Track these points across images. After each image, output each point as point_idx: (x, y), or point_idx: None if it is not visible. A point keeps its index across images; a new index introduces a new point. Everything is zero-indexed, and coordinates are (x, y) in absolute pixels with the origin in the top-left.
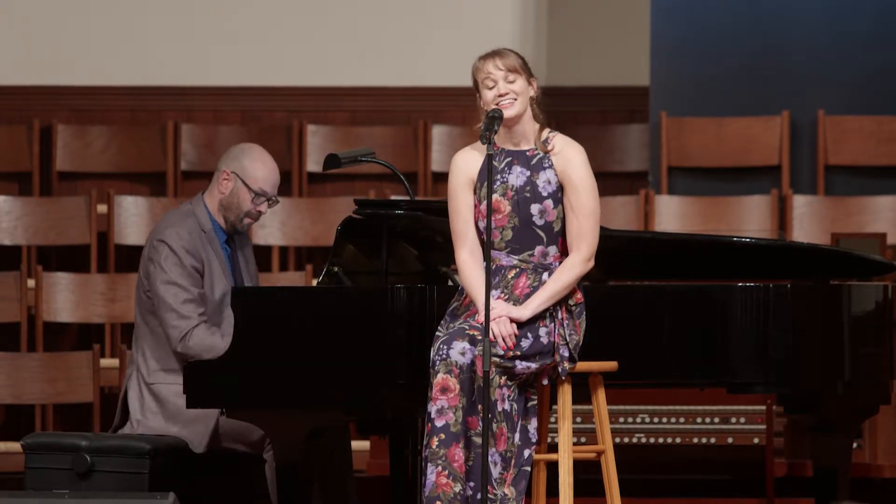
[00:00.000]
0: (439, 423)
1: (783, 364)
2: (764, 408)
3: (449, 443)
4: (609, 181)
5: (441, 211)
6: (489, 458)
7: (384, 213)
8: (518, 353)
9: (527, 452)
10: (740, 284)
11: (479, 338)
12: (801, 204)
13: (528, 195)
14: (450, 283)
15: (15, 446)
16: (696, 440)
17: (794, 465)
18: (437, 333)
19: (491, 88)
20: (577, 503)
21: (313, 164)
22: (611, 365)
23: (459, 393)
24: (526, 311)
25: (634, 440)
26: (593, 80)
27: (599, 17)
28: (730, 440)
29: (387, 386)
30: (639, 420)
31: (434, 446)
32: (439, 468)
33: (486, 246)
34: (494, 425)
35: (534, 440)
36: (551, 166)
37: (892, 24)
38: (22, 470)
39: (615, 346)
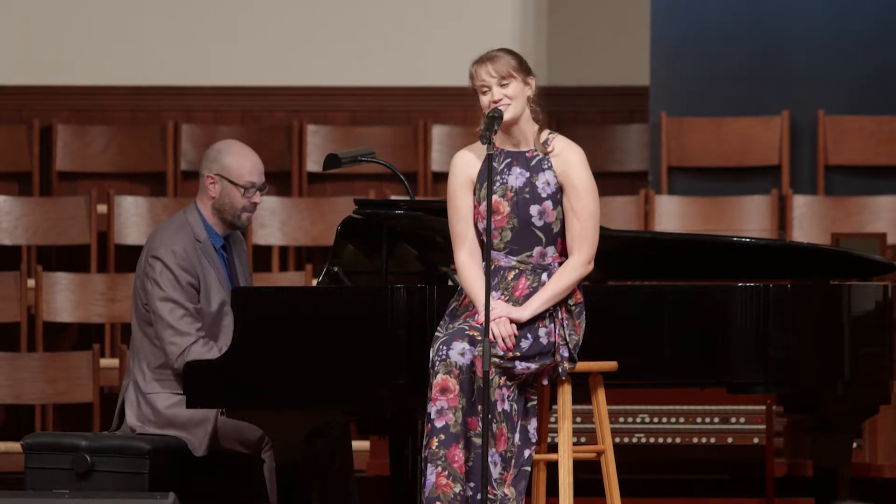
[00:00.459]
0: (439, 424)
1: (783, 364)
2: (764, 408)
3: (449, 443)
4: (609, 181)
5: (441, 211)
6: (489, 459)
7: (384, 213)
8: (517, 353)
9: (527, 452)
10: (740, 284)
11: (479, 338)
12: (801, 204)
13: (528, 196)
14: (450, 283)
15: (15, 446)
16: (696, 440)
17: (794, 465)
18: (437, 334)
19: (485, 95)
20: (577, 503)
21: (313, 164)
22: (611, 365)
23: (459, 393)
24: (526, 311)
25: (634, 440)
26: (593, 80)
27: (599, 17)
28: (730, 440)
29: (387, 386)
30: (639, 420)
31: (434, 447)
32: (439, 468)
33: (486, 247)
34: (494, 426)
35: (534, 440)
36: (551, 168)
37: (892, 24)
38: (22, 470)
39: (615, 346)
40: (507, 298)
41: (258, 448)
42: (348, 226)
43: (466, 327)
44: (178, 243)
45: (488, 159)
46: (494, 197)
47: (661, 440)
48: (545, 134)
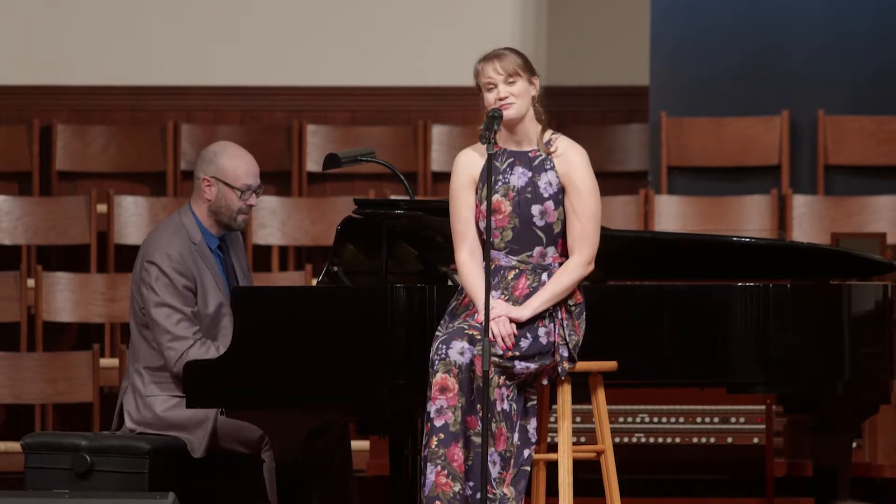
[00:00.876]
0: (438, 423)
1: (783, 364)
2: (764, 408)
3: (448, 442)
4: (609, 181)
5: (441, 211)
6: (488, 458)
7: (384, 213)
8: (517, 353)
9: (526, 452)
10: (740, 284)
11: (479, 337)
12: (801, 204)
13: (529, 196)
14: (450, 283)
15: (15, 446)
16: (696, 440)
17: (794, 465)
18: (437, 333)
19: (491, 92)
20: (576, 503)
21: (313, 163)
22: (611, 365)
23: (458, 392)
24: (525, 311)
25: (634, 440)
26: (593, 80)
27: (599, 17)
28: (730, 440)
29: (387, 386)
30: (639, 420)
31: (433, 446)
32: (438, 468)
33: (486, 246)
34: (493, 425)
35: (533, 440)
36: (553, 168)
37: (892, 24)
38: (22, 470)
39: (615, 346)
40: (506, 298)
41: (258, 448)
42: (348, 226)
43: (466, 326)
44: (174, 247)
45: (489, 159)
46: (496, 196)
47: (661, 440)
48: (548, 134)
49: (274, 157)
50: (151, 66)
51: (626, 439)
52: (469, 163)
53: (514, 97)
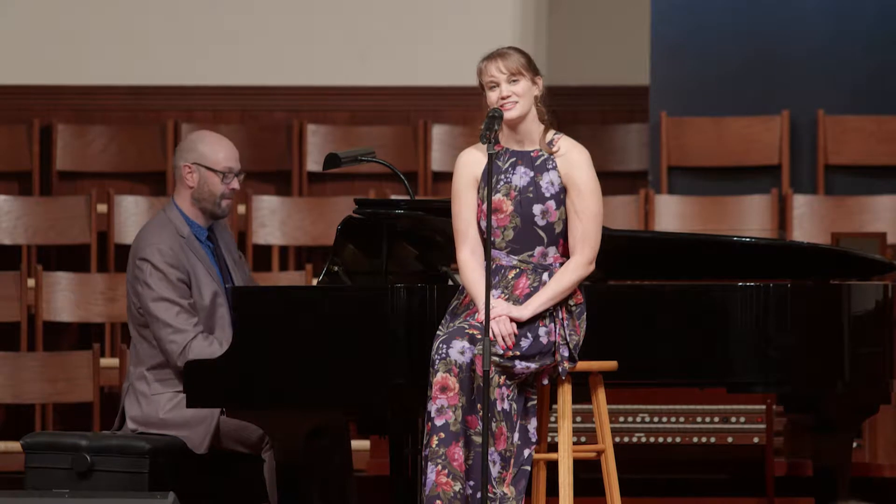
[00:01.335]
0: (439, 422)
1: (783, 364)
2: (764, 407)
3: (448, 442)
4: (609, 181)
5: (441, 210)
6: (488, 458)
7: (384, 213)
8: (517, 352)
9: (526, 452)
10: (740, 284)
11: (479, 337)
12: (801, 204)
13: (531, 195)
14: (450, 282)
15: (15, 446)
16: (696, 440)
17: (794, 464)
18: (438, 332)
19: (493, 91)
20: (577, 503)
21: (313, 163)
22: (611, 365)
23: (459, 392)
24: (526, 311)
25: (634, 440)
26: (593, 80)
27: (599, 17)
28: (730, 440)
29: (387, 386)
30: (639, 420)
31: (434, 445)
32: (439, 467)
33: (487, 245)
34: (493, 424)
35: (533, 440)
36: (555, 168)
37: (892, 24)
38: (22, 470)
39: (615, 345)
40: (507, 297)
41: (259, 448)
42: (348, 225)
43: (466, 326)
44: (164, 241)
45: (490, 159)
46: (498, 196)
47: (661, 440)
48: (550, 134)
49: (274, 157)
50: (151, 66)
51: (626, 439)
52: (471, 162)
53: (517, 96)
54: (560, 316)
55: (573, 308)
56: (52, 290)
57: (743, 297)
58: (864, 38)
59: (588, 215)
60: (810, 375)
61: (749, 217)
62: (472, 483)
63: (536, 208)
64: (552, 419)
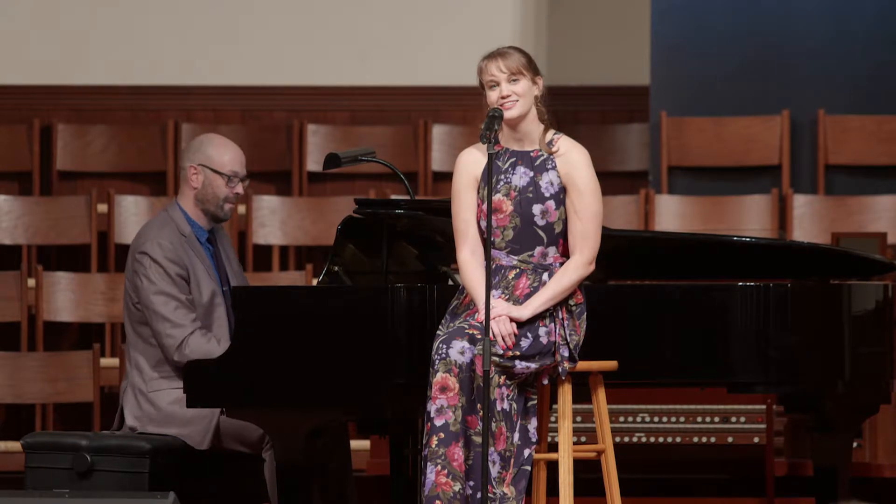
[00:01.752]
0: (438, 422)
1: (783, 363)
2: (764, 407)
3: (448, 442)
4: (609, 181)
5: (441, 210)
6: (488, 458)
7: (384, 213)
8: (517, 352)
9: (526, 452)
10: (740, 284)
11: (479, 337)
12: (801, 204)
13: (531, 195)
14: (450, 282)
15: (15, 446)
16: (696, 440)
17: (794, 464)
18: (438, 332)
19: (493, 90)
20: (577, 503)
21: (313, 163)
22: (611, 364)
23: (459, 392)
24: (526, 310)
25: (634, 440)
26: (594, 80)
27: (599, 17)
28: (730, 440)
29: (387, 385)
30: (639, 420)
31: (433, 445)
32: (439, 467)
33: (487, 245)
34: (493, 424)
35: (533, 440)
36: (554, 168)
37: (892, 24)
38: (22, 469)
39: (615, 345)
40: (507, 297)
41: (259, 448)
42: (348, 225)
43: (466, 326)
44: (164, 237)
45: (490, 159)
46: (498, 196)
47: (661, 440)
48: (550, 134)
49: (274, 157)
50: (151, 66)
51: (626, 439)
52: (471, 162)
53: (517, 96)
54: (560, 316)
55: (573, 308)
56: (53, 290)
57: (743, 296)
58: (864, 38)
59: (588, 215)
60: (810, 375)
61: (749, 217)
62: (471, 483)
63: (536, 208)
64: (552, 419)
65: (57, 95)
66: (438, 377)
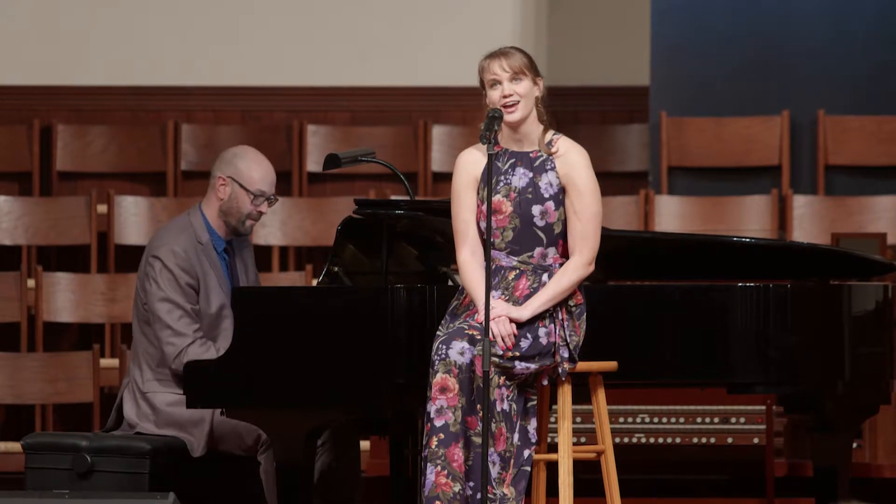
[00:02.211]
0: (438, 423)
1: (783, 364)
2: (764, 408)
3: (448, 442)
4: (609, 181)
5: (441, 211)
6: (488, 458)
7: (384, 213)
8: (517, 353)
9: (526, 452)
10: (740, 284)
11: (479, 337)
12: (801, 204)
13: (530, 196)
14: (450, 283)
15: (15, 446)
16: (696, 440)
17: (794, 465)
18: (437, 333)
19: (495, 89)
20: (577, 503)
21: (313, 164)
22: (611, 365)
23: (458, 393)
24: (525, 311)
25: (634, 440)
26: (593, 80)
27: (599, 17)
28: (730, 440)
29: (387, 386)
30: (639, 420)
31: (433, 446)
32: (438, 468)
33: (487, 246)
34: (493, 425)
35: (533, 440)
36: (554, 168)
37: (892, 24)
38: (22, 470)
39: (615, 346)
40: (507, 298)
41: (254, 451)
42: (348, 226)
43: (466, 326)
44: (179, 244)
45: (489, 159)
46: (497, 196)
47: (661, 440)
48: (549, 134)
49: (274, 157)
50: (152, 66)
51: (626, 439)
52: (471, 163)
53: (519, 96)
54: (560, 317)
55: (573, 308)
56: (52, 291)
57: (743, 297)
58: (864, 38)
59: (587, 215)
60: (810, 376)
61: (749, 217)
62: (471, 484)
63: (535, 209)
64: (552, 420)
65: (57, 96)
66: (438, 378)
